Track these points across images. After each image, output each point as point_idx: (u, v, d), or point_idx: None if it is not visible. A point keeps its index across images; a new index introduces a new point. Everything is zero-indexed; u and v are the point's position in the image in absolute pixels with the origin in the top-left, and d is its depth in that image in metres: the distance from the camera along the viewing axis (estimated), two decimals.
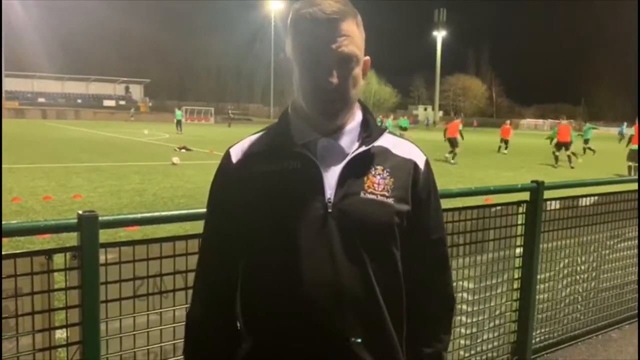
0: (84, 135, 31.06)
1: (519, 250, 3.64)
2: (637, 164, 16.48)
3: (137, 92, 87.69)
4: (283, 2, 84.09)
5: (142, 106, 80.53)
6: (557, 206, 3.88)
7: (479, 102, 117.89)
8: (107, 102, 79.60)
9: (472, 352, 3.44)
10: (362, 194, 1.28)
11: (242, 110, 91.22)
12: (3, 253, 1.91)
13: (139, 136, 31.73)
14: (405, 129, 34.72)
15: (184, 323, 2.25)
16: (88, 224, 2.03)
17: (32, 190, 10.57)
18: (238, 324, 1.36)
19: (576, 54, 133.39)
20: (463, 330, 3.34)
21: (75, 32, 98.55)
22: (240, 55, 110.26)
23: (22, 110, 63.14)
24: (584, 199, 4.08)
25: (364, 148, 1.31)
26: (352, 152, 1.30)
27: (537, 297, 3.75)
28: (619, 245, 4.44)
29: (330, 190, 1.27)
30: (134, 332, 2.21)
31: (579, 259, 4.13)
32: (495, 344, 3.59)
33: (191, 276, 2.28)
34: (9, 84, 72.75)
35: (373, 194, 1.28)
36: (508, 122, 28.35)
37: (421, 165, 1.37)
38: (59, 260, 2.07)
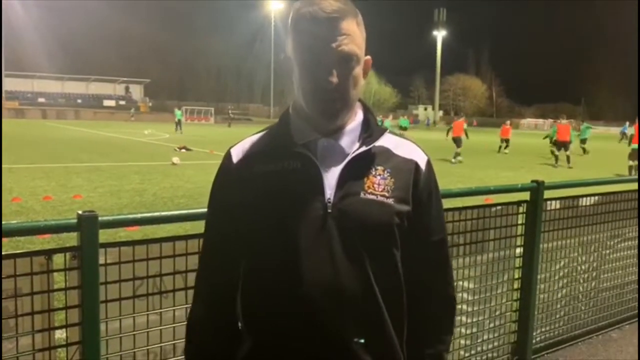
0: (84, 135, 31.06)
1: (519, 250, 3.64)
2: (637, 163, 16.49)
3: (137, 92, 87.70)
4: (283, 2, 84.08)
5: (142, 106, 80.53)
6: (557, 206, 3.87)
7: (479, 102, 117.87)
8: (107, 102, 79.60)
9: (472, 352, 3.44)
10: (362, 194, 1.28)
11: (242, 110, 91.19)
12: (3, 253, 1.91)
13: (139, 136, 31.73)
14: (405, 128, 34.72)
15: (184, 323, 2.25)
16: (88, 224, 2.02)
17: (32, 190, 10.57)
18: (239, 324, 1.36)
19: (576, 54, 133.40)
20: (463, 330, 3.34)
21: (75, 32, 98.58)
22: (240, 55, 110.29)
23: (22, 110, 63.13)
24: (584, 198, 4.08)
25: (364, 148, 1.31)
26: (353, 152, 1.30)
27: (537, 297, 3.75)
28: (619, 245, 4.44)
29: (330, 191, 1.27)
30: (134, 332, 2.21)
31: (579, 259, 4.13)
32: (496, 344, 3.59)
33: (191, 276, 2.28)
34: (9, 84, 72.75)
35: (373, 194, 1.28)
36: (508, 122, 28.36)
37: (422, 165, 1.37)
38: (58, 260, 2.07)
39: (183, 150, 21.19)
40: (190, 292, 2.28)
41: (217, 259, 1.38)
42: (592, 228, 4.16)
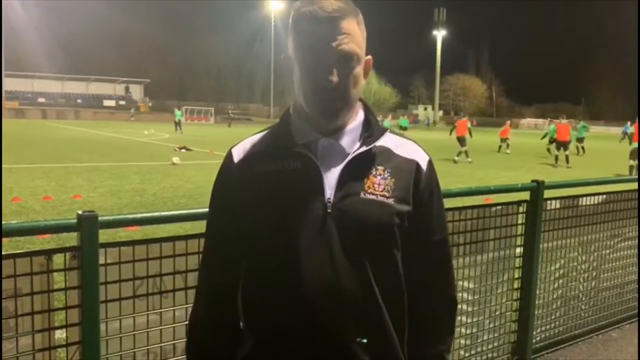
0: (84, 135, 31.06)
1: (519, 250, 3.63)
2: (637, 163, 16.49)
3: (137, 92, 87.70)
4: (283, 2, 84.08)
5: (142, 106, 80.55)
6: (557, 206, 3.87)
7: (479, 102, 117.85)
8: (107, 102, 79.61)
9: (472, 352, 3.44)
10: (362, 194, 1.27)
11: (242, 110, 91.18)
12: (3, 253, 1.91)
13: (139, 136, 31.73)
14: (405, 128, 34.70)
15: (184, 323, 2.26)
16: (88, 224, 2.02)
17: (32, 190, 10.57)
18: (241, 324, 1.36)
19: (576, 54, 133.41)
20: (463, 330, 3.34)
21: (75, 32, 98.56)
22: (240, 55, 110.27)
23: (22, 110, 63.13)
24: (584, 198, 4.08)
25: (364, 148, 1.30)
26: (353, 152, 1.30)
27: (537, 296, 3.75)
28: (619, 245, 4.44)
29: (330, 191, 1.27)
30: (134, 332, 2.21)
31: (579, 259, 4.13)
32: (496, 344, 3.59)
33: (191, 276, 2.29)
34: (9, 84, 72.75)
35: (373, 194, 1.28)
36: (508, 122, 28.37)
37: (423, 165, 1.36)
38: (58, 260, 2.06)
39: (183, 150, 21.20)
40: (190, 292, 2.28)
41: (218, 259, 1.38)
42: (592, 228, 4.16)
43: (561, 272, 3.99)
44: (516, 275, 3.64)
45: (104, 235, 2.10)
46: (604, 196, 4.23)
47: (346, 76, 1.24)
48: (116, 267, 2.15)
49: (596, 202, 4.16)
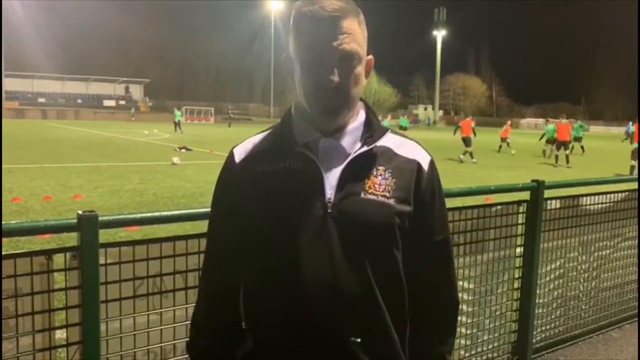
0: (84, 135, 31.06)
1: (519, 250, 3.63)
2: (637, 163, 16.49)
3: (137, 92, 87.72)
4: (283, 1, 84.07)
5: (142, 106, 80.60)
6: (558, 205, 3.87)
7: (479, 102, 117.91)
8: (107, 102, 79.64)
9: (473, 352, 3.44)
10: (362, 195, 1.27)
11: (242, 110, 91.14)
12: (3, 253, 1.91)
13: (139, 136, 31.74)
14: (405, 128, 34.71)
15: (184, 323, 2.26)
16: (88, 224, 2.02)
17: (32, 191, 10.57)
18: (243, 324, 1.36)
19: (576, 53, 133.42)
20: (463, 330, 3.34)
21: (75, 32, 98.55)
22: (240, 55, 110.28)
23: (22, 110, 63.14)
24: (585, 198, 4.08)
25: (365, 148, 1.30)
26: (354, 152, 1.30)
27: (537, 296, 3.75)
28: (619, 245, 4.44)
29: (330, 191, 1.26)
30: (134, 332, 2.21)
31: (579, 259, 4.13)
32: (496, 344, 3.59)
33: (191, 276, 2.29)
34: (9, 84, 72.75)
35: (373, 194, 1.27)
36: (509, 122, 28.36)
37: (425, 165, 1.36)
38: (59, 260, 2.06)
39: (183, 150, 21.19)
40: (191, 292, 2.29)
41: (220, 258, 1.39)
42: (592, 227, 4.16)
43: (561, 271, 3.99)
44: (516, 275, 3.64)
45: (104, 235, 2.10)
46: (604, 196, 4.23)
47: (347, 76, 1.24)
48: (116, 267, 2.15)
49: (596, 202, 4.16)
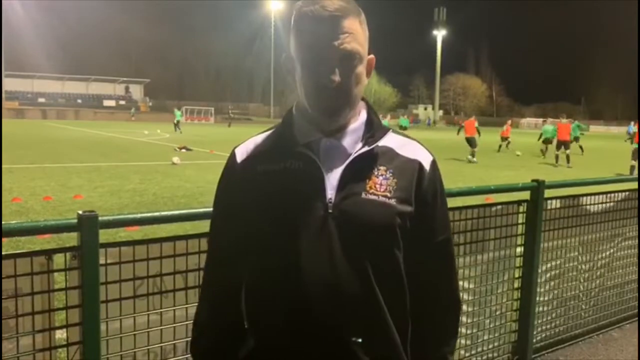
0: (84, 135, 31.06)
1: (519, 250, 3.63)
2: (637, 163, 16.49)
3: (137, 92, 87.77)
4: (283, 2, 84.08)
5: (142, 106, 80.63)
6: (558, 205, 3.87)
7: (479, 101, 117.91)
8: (107, 102, 79.72)
9: (473, 352, 3.44)
10: (363, 195, 1.27)
11: (242, 110, 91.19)
12: (3, 253, 1.91)
13: (139, 136, 31.74)
14: (405, 128, 34.73)
15: (184, 323, 2.26)
16: (88, 224, 2.02)
17: (32, 191, 10.56)
18: (245, 324, 1.36)
19: (576, 53, 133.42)
20: (463, 330, 3.34)
21: (75, 32, 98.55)
22: (240, 55, 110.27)
23: (22, 110, 63.18)
24: (585, 198, 4.08)
25: (366, 148, 1.30)
26: (355, 152, 1.29)
27: (537, 296, 3.75)
28: (619, 245, 4.44)
29: (331, 191, 1.26)
30: (134, 332, 2.21)
31: (579, 258, 4.13)
32: (496, 343, 3.59)
33: (191, 276, 2.29)
34: (9, 84, 72.80)
35: (374, 194, 1.27)
36: (509, 121, 28.36)
37: (427, 165, 1.35)
38: (59, 260, 2.06)
39: (183, 150, 21.19)
40: (191, 292, 2.29)
41: (222, 258, 1.39)
42: (592, 227, 4.16)
43: (561, 271, 3.99)
44: (516, 275, 3.63)
45: (104, 235, 2.10)
46: (604, 196, 4.23)
47: (348, 75, 1.24)
48: (116, 267, 2.14)
49: (596, 201, 4.15)
